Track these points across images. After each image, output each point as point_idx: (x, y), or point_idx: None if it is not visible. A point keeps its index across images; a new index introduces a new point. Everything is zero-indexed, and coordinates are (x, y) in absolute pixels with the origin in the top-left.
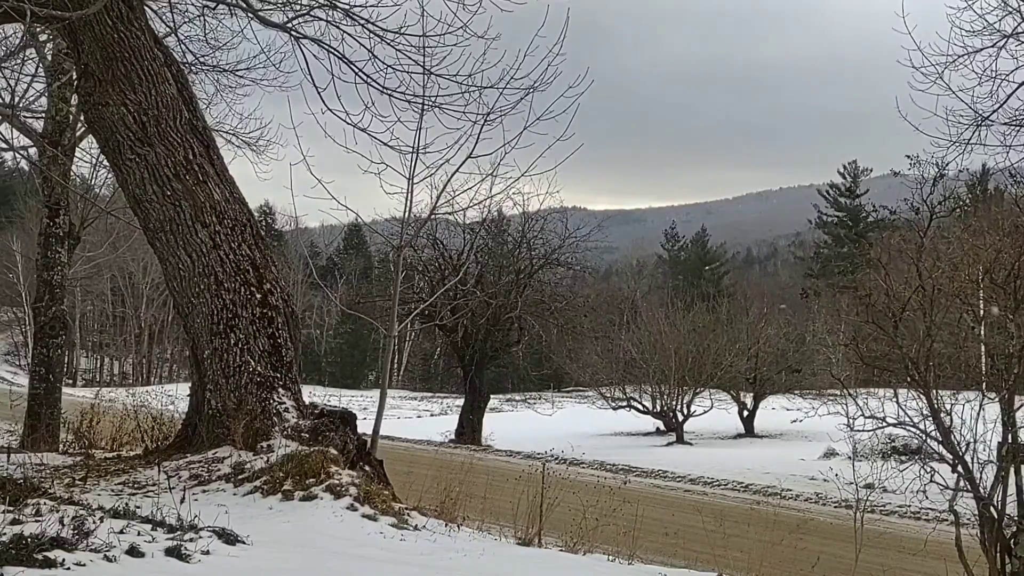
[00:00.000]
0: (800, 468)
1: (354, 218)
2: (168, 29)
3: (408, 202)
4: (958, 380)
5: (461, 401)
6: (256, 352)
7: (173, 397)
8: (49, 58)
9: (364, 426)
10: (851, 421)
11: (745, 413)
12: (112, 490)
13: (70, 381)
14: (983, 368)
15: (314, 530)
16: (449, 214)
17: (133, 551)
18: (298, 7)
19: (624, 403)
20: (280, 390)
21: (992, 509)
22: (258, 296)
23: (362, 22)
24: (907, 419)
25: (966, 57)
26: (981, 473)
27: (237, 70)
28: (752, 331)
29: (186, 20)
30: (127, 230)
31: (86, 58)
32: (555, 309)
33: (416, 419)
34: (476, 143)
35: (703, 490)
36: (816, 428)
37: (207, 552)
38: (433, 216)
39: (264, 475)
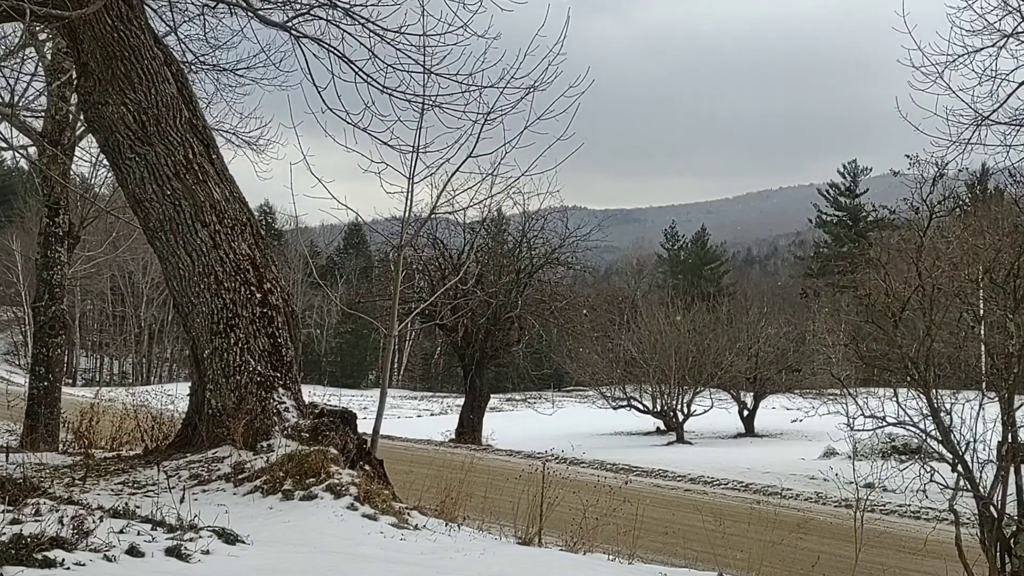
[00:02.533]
0: (800, 467)
1: (354, 217)
2: (168, 28)
3: (408, 201)
4: (958, 379)
5: (461, 401)
6: (256, 352)
7: (173, 397)
8: (49, 57)
9: (364, 426)
10: (851, 420)
11: (745, 412)
12: (112, 490)
13: (70, 380)
14: (983, 367)
15: (314, 530)
16: (449, 213)
17: (133, 551)
18: (298, 6)
19: (624, 403)
20: (280, 390)
21: (992, 508)
22: (258, 295)
23: (362, 21)
24: (907, 418)
25: (966, 57)
26: (981, 472)
27: (237, 69)
28: (752, 330)
29: (186, 19)
30: (127, 229)
31: (86, 57)
32: (555, 309)
33: (416, 418)
34: (476, 143)
35: (703, 489)
36: (816, 427)
37: (207, 552)
38: (433, 215)
39: (264, 475)
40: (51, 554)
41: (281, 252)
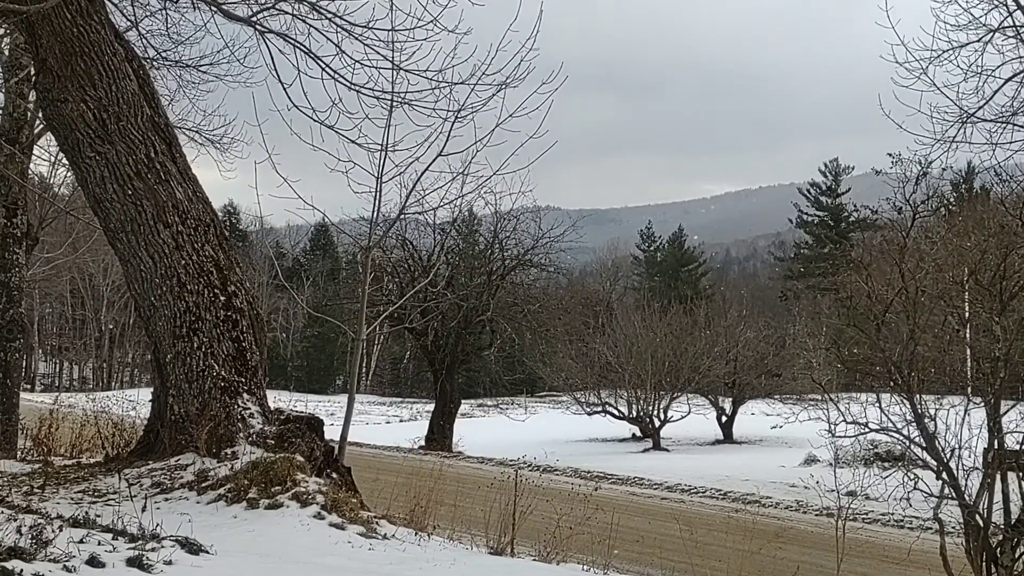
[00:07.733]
0: (780, 475)
1: (321, 218)
2: (129, 23)
3: (377, 201)
4: (942, 384)
5: (431, 406)
6: (220, 356)
7: (134, 402)
8: (6, 53)
9: (331, 432)
10: (832, 427)
11: (724, 418)
12: (72, 498)
13: (28, 386)
14: (968, 372)
15: (280, 539)
16: (419, 214)
17: (93, 561)
18: (263, 0)
19: (599, 408)
20: (245, 395)
21: (978, 517)
22: (222, 298)
23: (329, 16)
24: (890, 424)
25: (951, 52)
26: (966, 480)
27: (200, 65)
28: (731, 334)
29: (147, 14)
30: (87, 230)
31: (44, 53)
32: (528, 312)
33: (385, 425)
34: (447, 141)
35: (680, 498)
36: (797, 434)
37: (169, 562)
38: (403, 216)
39: (228, 483)
40: (9, 564)
41: (246, 254)
